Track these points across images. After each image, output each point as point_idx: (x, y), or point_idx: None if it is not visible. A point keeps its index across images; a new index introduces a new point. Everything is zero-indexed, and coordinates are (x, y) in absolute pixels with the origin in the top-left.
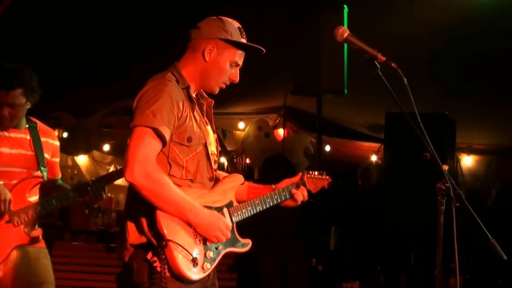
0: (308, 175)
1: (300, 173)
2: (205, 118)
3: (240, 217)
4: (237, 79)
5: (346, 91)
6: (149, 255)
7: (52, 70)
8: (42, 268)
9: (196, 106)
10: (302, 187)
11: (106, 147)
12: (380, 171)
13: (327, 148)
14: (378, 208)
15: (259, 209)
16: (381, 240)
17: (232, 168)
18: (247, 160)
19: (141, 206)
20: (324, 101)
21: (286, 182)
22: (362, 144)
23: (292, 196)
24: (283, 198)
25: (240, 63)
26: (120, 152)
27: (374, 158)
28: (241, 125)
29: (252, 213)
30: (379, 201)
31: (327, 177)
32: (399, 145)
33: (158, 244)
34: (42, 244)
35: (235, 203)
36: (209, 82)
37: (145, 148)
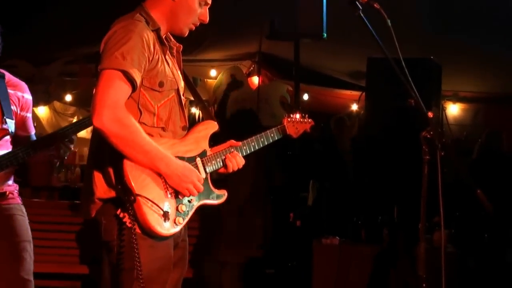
0: (289, 119)
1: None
2: (176, 64)
3: (214, 167)
4: (207, 19)
5: (325, 35)
6: (119, 211)
7: (6, 12)
8: (18, 225)
9: (168, 50)
10: (232, 154)
11: (68, 98)
12: (360, 121)
13: (305, 97)
14: (359, 160)
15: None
16: (361, 194)
17: (206, 115)
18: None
19: (108, 156)
20: (302, 46)
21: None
22: (342, 92)
23: (281, 135)
24: (270, 139)
25: (209, 1)
26: (84, 102)
27: (355, 107)
28: (212, 72)
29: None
30: (360, 153)
31: (309, 120)
32: (381, 92)
33: (127, 199)
34: (16, 200)
35: (208, 153)
36: (178, 23)
37: (115, 92)
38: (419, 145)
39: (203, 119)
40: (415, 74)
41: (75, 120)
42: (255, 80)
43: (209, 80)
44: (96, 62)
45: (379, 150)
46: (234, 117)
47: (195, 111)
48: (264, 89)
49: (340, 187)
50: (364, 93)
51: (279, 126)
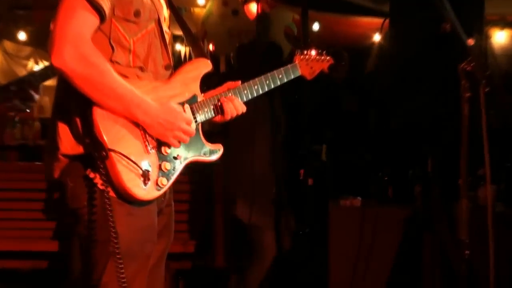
0: (302, 56)
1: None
2: None
3: (207, 115)
4: None
5: None
6: (88, 171)
7: None
8: None
9: None
10: (229, 98)
11: (22, 36)
12: (384, 53)
13: (315, 27)
14: (382, 102)
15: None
16: (387, 144)
17: (196, 52)
18: (210, 47)
19: (75, 104)
20: None
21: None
22: (361, 19)
23: (291, 76)
24: (278, 82)
25: None
26: (42, 41)
27: (377, 37)
28: (200, 0)
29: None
30: (383, 92)
31: (328, 57)
32: (410, 18)
33: (97, 155)
34: None
35: (200, 98)
36: None
37: (77, 24)
38: (457, 81)
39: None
40: None
41: (31, 63)
42: (253, 7)
43: (196, 9)
44: None
45: (407, 88)
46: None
47: (180, 48)
48: (265, 18)
49: (359, 136)
50: (388, 20)
51: (289, 65)
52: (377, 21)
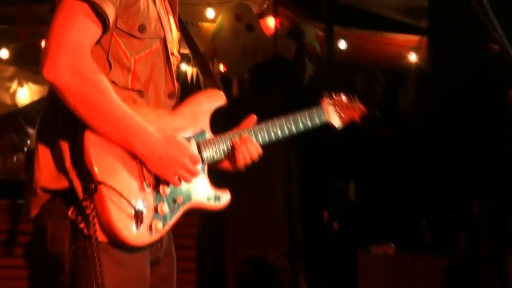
0: (330, 100)
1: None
2: (166, 4)
3: (215, 156)
4: None
5: None
6: (71, 210)
7: None
8: None
9: None
10: (243, 139)
11: (4, 53)
12: (421, 76)
13: (342, 45)
14: (421, 134)
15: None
16: (425, 182)
17: (207, 79)
18: (221, 67)
19: (63, 125)
20: None
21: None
22: (395, 37)
23: (317, 123)
24: (300, 126)
25: None
26: (27, 59)
27: (413, 57)
28: (210, 13)
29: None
30: (422, 122)
31: (360, 105)
32: (451, 36)
33: (85, 188)
34: None
35: (208, 134)
36: None
37: (77, 33)
38: (506, 108)
39: (199, 83)
40: (501, 8)
41: (14, 85)
42: (271, 22)
43: (204, 24)
44: None
45: (448, 117)
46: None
47: (186, 68)
48: (284, 35)
49: (394, 173)
50: (425, 38)
51: (314, 108)
52: (413, 38)
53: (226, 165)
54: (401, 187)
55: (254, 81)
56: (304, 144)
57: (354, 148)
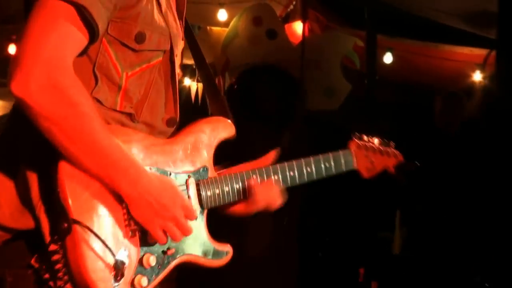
0: (360, 142)
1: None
2: (174, 8)
3: (218, 200)
4: None
5: None
6: (34, 258)
7: None
8: None
9: None
10: (258, 182)
11: None
12: (488, 98)
13: (387, 58)
14: (488, 163)
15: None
16: (490, 231)
17: (214, 102)
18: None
19: (29, 152)
20: None
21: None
22: (455, 50)
23: (343, 169)
24: (323, 172)
25: None
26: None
27: (477, 76)
28: (221, 15)
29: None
30: (489, 153)
31: (395, 151)
32: None
33: (55, 228)
34: None
35: (211, 172)
36: None
37: (58, 41)
38: None
39: (205, 102)
40: None
41: None
42: (298, 27)
43: (214, 28)
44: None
45: None
46: (256, 95)
47: (190, 83)
48: (315, 44)
49: (452, 218)
50: (494, 52)
51: (341, 151)
52: (478, 52)
53: (230, 211)
54: (457, 240)
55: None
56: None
57: (398, 193)
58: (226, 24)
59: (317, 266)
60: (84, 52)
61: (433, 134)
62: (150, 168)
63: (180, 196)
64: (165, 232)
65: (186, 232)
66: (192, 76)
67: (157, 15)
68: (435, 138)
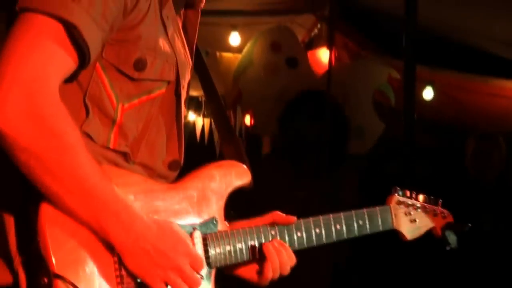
0: (401, 199)
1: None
2: (182, 34)
3: (228, 258)
4: None
5: None
6: None
7: None
8: None
9: (171, 0)
10: (274, 245)
11: None
12: None
13: (428, 93)
14: None
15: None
16: None
17: (226, 142)
18: (247, 120)
19: (4, 192)
20: None
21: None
22: (505, 85)
23: (379, 228)
24: (355, 231)
25: None
26: None
27: None
28: (234, 38)
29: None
30: None
31: (444, 210)
32: None
33: (33, 284)
34: None
35: (221, 225)
36: None
37: (43, 63)
38: None
39: (212, 140)
40: None
41: None
42: (323, 55)
43: (224, 54)
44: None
45: None
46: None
47: (194, 118)
48: (342, 74)
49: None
50: None
51: (379, 209)
52: None
53: (242, 273)
54: None
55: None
56: None
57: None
58: (239, 50)
59: None
60: (73, 78)
61: (466, 184)
62: (149, 214)
63: (183, 242)
64: (167, 285)
65: (192, 283)
66: (197, 110)
67: (162, 40)
68: (468, 190)
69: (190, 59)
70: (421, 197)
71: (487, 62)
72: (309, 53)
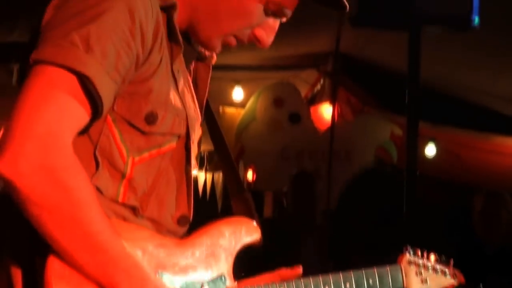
0: (412, 258)
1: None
2: (192, 89)
3: None
4: (266, 40)
5: (476, 20)
6: None
7: None
8: None
9: (181, 54)
10: None
11: None
12: None
13: (430, 150)
14: None
15: None
16: None
17: (236, 198)
18: (249, 175)
19: (12, 243)
20: (426, 44)
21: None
22: (508, 142)
23: (389, 284)
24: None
25: (288, 12)
26: None
27: None
28: (237, 93)
29: None
30: None
31: (456, 271)
32: None
33: None
34: None
35: (230, 282)
36: (211, 24)
37: (56, 114)
38: None
39: (214, 196)
40: None
41: None
42: (326, 111)
43: (227, 109)
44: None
45: None
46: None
47: (196, 173)
48: (345, 130)
49: None
50: None
51: (389, 268)
52: None
53: None
54: None
55: (297, 199)
56: None
57: None
58: (241, 105)
59: None
60: (84, 131)
61: (473, 246)
62: (156, 273)
63: None
64: None
65: None
66: (199, 165)
67: (172, 93)
68: (474, 252)
69: (199, 114)
70: (432, 257)
71: (489, 119)
72: (312, 109)
